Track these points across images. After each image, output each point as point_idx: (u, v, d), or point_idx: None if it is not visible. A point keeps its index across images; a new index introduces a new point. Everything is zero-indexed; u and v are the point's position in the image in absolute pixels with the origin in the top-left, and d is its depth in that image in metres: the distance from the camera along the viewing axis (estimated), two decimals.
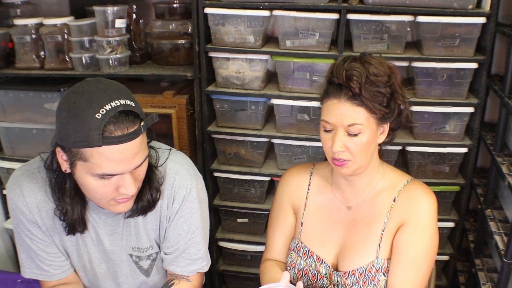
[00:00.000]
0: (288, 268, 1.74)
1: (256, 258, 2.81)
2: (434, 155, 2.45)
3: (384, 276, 1.61)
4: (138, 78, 2.83)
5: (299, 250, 1.72)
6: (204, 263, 1.69)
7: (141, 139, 1.37)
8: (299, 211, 1.77)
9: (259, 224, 2.77)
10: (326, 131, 1.55)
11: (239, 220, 2.78)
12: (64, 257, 1.66)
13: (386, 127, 1.57)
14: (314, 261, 1.69)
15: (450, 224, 2.57)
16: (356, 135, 1.50)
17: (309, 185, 1.77)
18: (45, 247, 1.62)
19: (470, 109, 2.33)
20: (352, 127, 1.49)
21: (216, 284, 2.98)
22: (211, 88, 2.50)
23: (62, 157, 1.40)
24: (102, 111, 1.29)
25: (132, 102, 1.36)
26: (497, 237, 2.09)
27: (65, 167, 1.41)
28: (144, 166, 1.45)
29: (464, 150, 2.41)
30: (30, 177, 1.55)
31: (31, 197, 1.55)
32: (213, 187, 2.72)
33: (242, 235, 2.81)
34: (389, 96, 1.51)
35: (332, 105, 1.51)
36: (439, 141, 2.42)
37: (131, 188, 1.40)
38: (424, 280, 1.60)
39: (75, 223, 1.54)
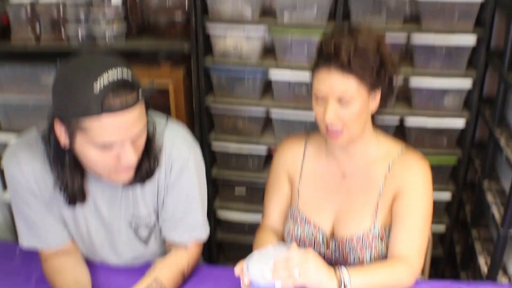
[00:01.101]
0: (286, 236, 1.76)
1: (254, 228, 2.80)
2: (432, 128, 2.45)
3: (381, 242, 1.64)
4: (134, 52, 2.81)
5: (296, 218, 1.74)
6: (202, 231, 1.70)
7: (140, 108, 1.37)
8: (295, 180, 1.78)
9: (257, 194, 2.79)
10: (318, 101, 1.55)
11: (236, 190, 2.80)
12: (62, 226, 1.66)
13: (378, 94, 1.58)
14: (311, 228, 1.71)
15: (448, 196, 2.58)
16: (347, 104, 1.50)
17: (304, 154, 1.78)
18: (43, 216, 1.62)
19: (469, 83, 2.32)
20: (343, 97, 1.49)
21: (214, 254, 3.01)
22: (208, 60, 2.48)
23: (60, 130, 1.39)
24: (100, 80, 1.28)
25: (129, 72, 1.35)
26: (494, 208, 2.10)
27: (64, 140, 1.41)
28: (144, 135, 1.45)
29: (462, 123, 2.41)
30: (27, 147, 1.55)
31: (28, 167, 1.54)
32: (211, 159, 2.73)
33: (239, 205, 2.84)
34: (379, 65, 1.51)
35: (322, 75, 1.51)
36: (437, 114, 2.41)
37: (132, 157, 1.40)
38: (426, 243, 1.63)
39: (75, 195, 1.54)
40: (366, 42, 1.49)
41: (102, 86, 1.28)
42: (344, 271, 1.45)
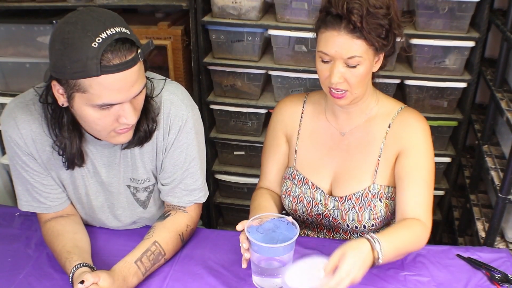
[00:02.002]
0: (283, 196, 1.77)
1: (253, 191, 2.81)
2: (433, 89, 2.42)
3: (381, 202, 1.65)
4: (132, 8, 2.77)
5: (294, 178, 1.75)
6: (201, 194, 1.69)
7: (139, 67, 1.35)
8: (292, 139, 1.78)
9: (256, 157, 2.77)
10: (323, 61, 1.54)
11: (235, 153, 2.79)
12: (61, 189, 1.66)
13: (381, 56, 1.58)
14: (309, 188, 1.72)
15: (447, 160, 2.57)
16: (354, 66, 1.50)
17: (302, 113, 1.77)
18: (41, 179, 1.61)
19: (471, 43, 2.29)
20: (351, 59, 1.48)
21: (213, 217, 3.02)
22: (206, 18, 2.44)
23: (58, 91, 1.37)
24: (98, 39, 1.26)
25: (127, 30, 1.33)
26: (493, 173, 2.10)
27: (62, 101, 1.39)
28: (143, 95, 1.43)
29: (463, 85, 2.39)
30: (24, 109, 1.53)
31: (26, 129, 1.53)
32: (210, 119, 2.71)
33: (238, 168, 2.83)
34: (388, 27, 1.50)
35: (331, 36, 1.49)
36: (438, 75, 2.39)
37: (131, 117, 1.38)
38: (432, 199, 1.64)
39: (74, 157, 1.53)
40: (378, 4, 1.47)
41: (100, 47, 1.26)
42: (377, 245, 1.41)
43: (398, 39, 1.57)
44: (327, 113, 1.73)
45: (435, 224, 2.75)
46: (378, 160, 1.66)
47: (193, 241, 1.73)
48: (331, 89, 1.55)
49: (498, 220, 1.99)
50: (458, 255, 1.66)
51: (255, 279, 1.52)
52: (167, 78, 1.64)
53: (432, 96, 2.45)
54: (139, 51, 1.34)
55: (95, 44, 1.25)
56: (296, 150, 1.76)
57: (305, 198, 1.72)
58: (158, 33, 2.52)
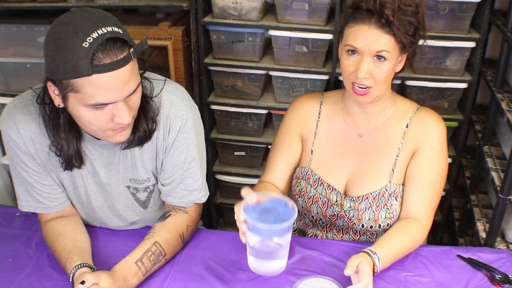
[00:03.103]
0: (297, 196, 1.77)
1: None
2: (433, 90, 2.42)
3: (396, 200, 1.66)
4: (132, 9, 2.77)
5: (308, 178, 1.75)
6: (201, 194, 1.69)
7: (132, 66, 1.34)
8: (309, 139, 1.78)
9: (256, 157, 2.77)
10: (349, 56, 1.55)
11: (236, 153, 2.78)
12: (61, 189, 1.66)
13: (404, 57, 1.59)
14: (325, 188, 1.72)
15: (447, 160, 2.56)
16: (382, 62, 1.52)
17: (319, 113, 1.77)
18: (41, 180, 1.61)
19: (472, 44, 2.29)
20: (379, 54, 1.51)
21: (214, 217, 3.01)
22: (207, 19, 2.44)
23: (53, 92, 1.37)
24: (89, 39, 1.26)
25: (119, 29, 1.32)
26: (493, 173, 2.10)
27: (58, 101, 1.39)
28: (138, 94, 1.43)
29: (463, 85, 2.38)
30: (24, 109, 1.53)
31: (25, 129, 1.53)
32: (210, 120, 2.71)
33: (239, 168, 2.82)
34: (416, 25, 1.52)
35: (360, 30, 1.51)
36: (439, 76, 2.39)
37: (125, 116, 1.38)
38: (437, 202, 1.67)
39: (71, 158, 1.53)
40: (408, 2, 1.50)
41: (91, 46, 1.26)
42: (376, 260, 1.47)
43: (420, 42, 1.60)
44: (345, 114, 1.74)
45: (436, 225, 2.75)
46: (396, 159, 1.68)
47: (194, 241, 1.73)
48: (355, 85, 1.56)
49: (499, 220, 1.99)
50: (459, 256, 1.66)
51: (250, 261, 1.46)
52: (167, 79, 1.64)
53: (432, 97, 2.45)
54: (131, 50, 1.33)
55: (86, 44, 1.25)
56: (312, 151, 1.76)
57: (320, 198, 1.72)
58: (159, 34, 2.52)
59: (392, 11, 1.46)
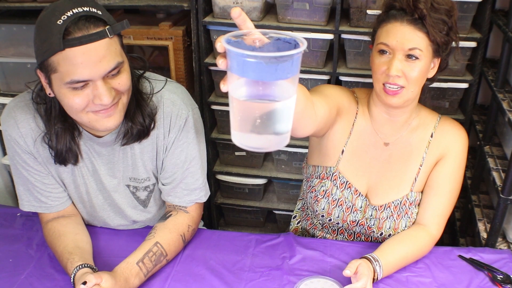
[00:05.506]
0: (320, 196, 1.70)
1: (254, 191, 2.83)
2: (434, 90, 2.41)
3: (416, 208, 1.66)
4: (133, 9, 2.76)
5: (335, 180, 1.70)
6: (202, 194, 1.69)
7: (108, 43, 1.34)
8: (342, 137, 1.69)
9: (257, 158, 2.77)
10: (382, 54, 1.53)
11: (236, 153, 2.78)
12: (62, 188, 1.66)
13: (437, 62, 1.57)
14: (351, 193, 1.69)
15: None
16: (414, 60, 1.49)
17: (356, 112, 1.71)
18: (42, 179, 1.61)
19: (473, 44, 2.28)
20: (412, 51, 1.48)
21: (214, 217, 3.01)
22: (208, 19, 2.43)
23: (44, 80, 1.39)
24: (64, 17, 1.28)
25: (98, 10, 1.34)
26: (495, 174, 2.09)
27: (48, 90, 1.41)
28: (124, 76, 1.41)
29: (465, 85, 2.38)
30: (24, 108, 1.54)
31: (25, 128, 1.54)
32: (211, 120, 2.70)
33: (239, 168, 2.82)
34: (450, 25, 1.50)
35: (393, 27, 1.50)
36: (440, 76, 2.37)
37: (105, 96, 1.36)
38: (451, 210, 1.67)
39: (62, 152, 1.53)
40: (441, 1, 1.49)
41: (64, 23, 1.27)
42: (378, 268, 1.50)
43: (454, 45, 1.58)
44: (373, 122, 1.70)
45: None
46: (419, 168, 1.67)
47: (195, 241, 1.73)
48: (386, 85, 1.52)
49: (500, 221, 1.98)
50: (460, 256, 1.66)
51: (234, 135, 1.00)
52: (168, 79, 1.64)
53: (433, 97, 2.44)
54: (109, 29, 1.33)
55: (60, 22, 1.27)
56: (343, 151, 1.70)
57: (345, 203, 1.68)
58: (160, 34, 2.52)
59: (425, 6, 1.44)
